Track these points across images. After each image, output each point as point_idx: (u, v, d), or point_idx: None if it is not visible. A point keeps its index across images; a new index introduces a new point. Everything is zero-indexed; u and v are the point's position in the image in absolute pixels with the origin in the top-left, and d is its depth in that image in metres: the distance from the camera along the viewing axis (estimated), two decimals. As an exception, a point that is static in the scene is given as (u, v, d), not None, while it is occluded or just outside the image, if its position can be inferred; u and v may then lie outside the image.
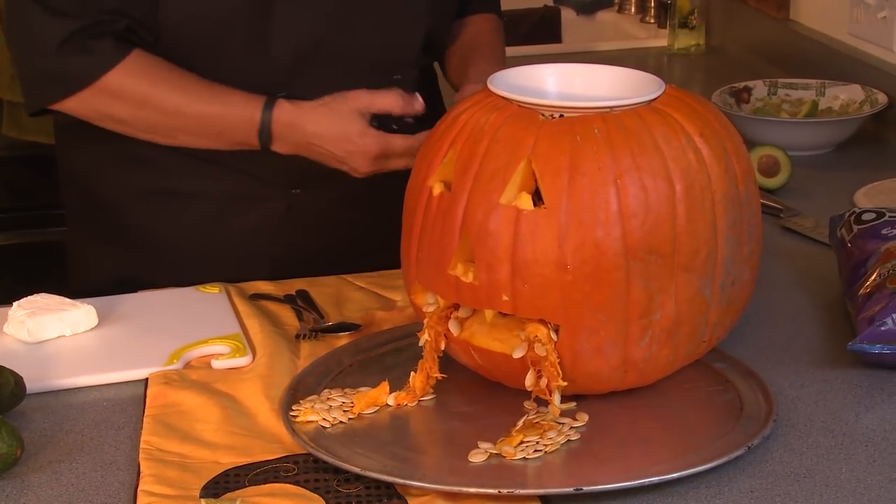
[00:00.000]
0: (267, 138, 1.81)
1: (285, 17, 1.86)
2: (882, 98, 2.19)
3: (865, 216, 1.63)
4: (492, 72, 1.76)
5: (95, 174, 2.00)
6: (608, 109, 1.31)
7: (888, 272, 1.47)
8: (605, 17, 3.41)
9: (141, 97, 1.82)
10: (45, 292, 1.67)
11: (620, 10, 3.40)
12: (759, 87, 2.37)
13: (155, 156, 1.92)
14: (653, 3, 3.28)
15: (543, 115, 1.31)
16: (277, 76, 1.89)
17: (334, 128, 1.78)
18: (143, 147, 1.90)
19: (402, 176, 1.67)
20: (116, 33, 1.85)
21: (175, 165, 1.94)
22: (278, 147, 1.82)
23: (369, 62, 1.93)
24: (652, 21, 3.27)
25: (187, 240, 1.96)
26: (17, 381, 1.40)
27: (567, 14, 3.48)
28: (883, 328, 1.41)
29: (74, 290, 1.84)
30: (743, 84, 2.36)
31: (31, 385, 1.43)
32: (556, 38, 3.40)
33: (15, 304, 1.63)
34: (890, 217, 1.61)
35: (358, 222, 1.98)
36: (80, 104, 1.84)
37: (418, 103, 1.82)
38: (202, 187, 1.95)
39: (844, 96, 2.30)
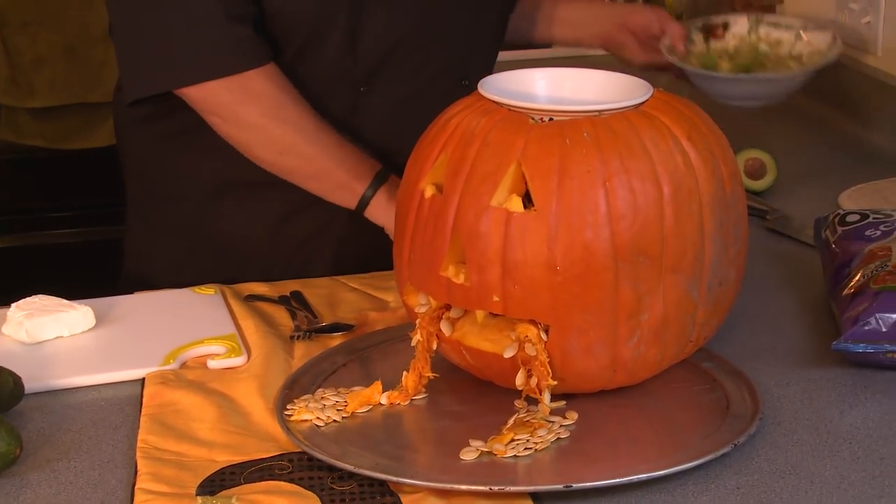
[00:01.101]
0: (364, 208, 1.81)
1: (375, 19, 1.87)
2: (834, 53, 2.14)
3: (849, 218, 1.64)
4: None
5: (164, 166, 2.00)
6: (597, 113, 1.32)
7: (871, 273, 1.47)
8: None
9: (275, 107, 1.81)
10: (42, 294, 1.68)
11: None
12: (740, 24, 2.25)
13: (227, 145, 1.90)
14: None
15: (533, 118, 1.32)
16: (356, 73, 1.89)
17: None
18: (218, 137, 1.88)
19: None
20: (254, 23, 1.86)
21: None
22: (371, 216, 1.82)
23: (442, 65, 1.94)
24: None
25: (254, 234, 1.97)
26: (16, 381, 1.41)
27: None
28: (866, 328, 1.41)
29: (128, 286, 1.86)
30: (722, 18, 2.27)
31: (30, 385, 1.44)
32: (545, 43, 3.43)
33: (13, 305, 1.64)
34: (874, 219, 1.61)
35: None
36: (214, 92, 1.81)
37: None
38: (275, 179, 1.92)
39: (815, 44, 2.22)
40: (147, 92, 1.85)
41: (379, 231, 1.86)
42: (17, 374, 1.42)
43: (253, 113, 1.81)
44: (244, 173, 1.92)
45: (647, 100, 1.37)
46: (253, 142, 1.83)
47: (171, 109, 1.85)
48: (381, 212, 1.80)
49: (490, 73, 1.88)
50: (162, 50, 1.83)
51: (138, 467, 1.27)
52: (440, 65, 1.96)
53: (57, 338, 1.60)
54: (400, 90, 1.94)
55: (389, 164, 1.91)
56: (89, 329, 1.63)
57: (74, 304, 1.65)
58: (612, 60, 2.06)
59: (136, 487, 1.23)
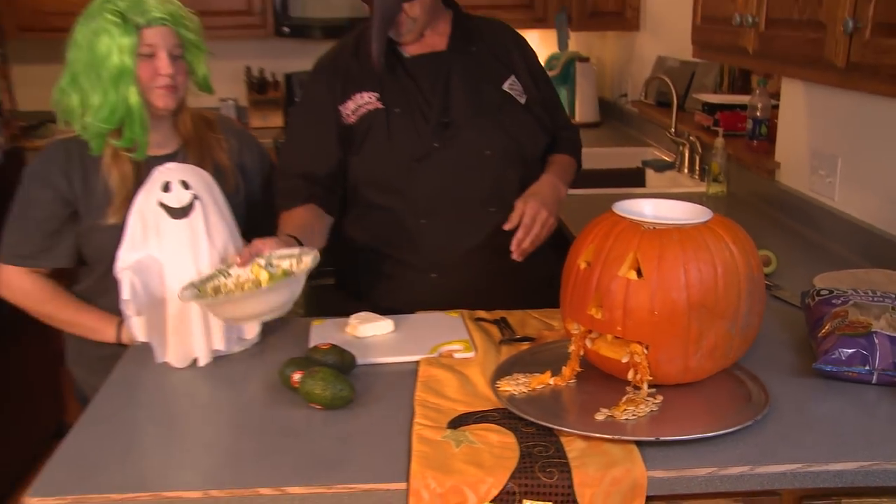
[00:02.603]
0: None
1: (422, 177, 1.96)
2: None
3: (822, 292, 1.73)
4: (551, 180, 1.97)
5: (361, 248, 2.08)
6: (680, 225, 1.48)
7: (836, 325, 1.59)
8: (671, 173, 3.52)
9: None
10: (364, 311, 1.86)
11: (679, 170, 3.50)
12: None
13: (375, 235, 2.04)
14: (697, 167, 3.41)
15: (644, 226, 1.48)
16: (407, 208, 1.98)
17: None
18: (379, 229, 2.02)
19: (496, 272, 1.96)
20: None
21: (373, 250, 2.05)
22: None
23: (475, 201, 1.98)
24: (697, 177, 3.38)
25: (388, 298, 2.05)
26: (352, 358, 1.64)
27: (649, 171, 3.60)
28: (833, 356, 1.55)
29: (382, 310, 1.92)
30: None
31: (359, 360, 1.66)
32: (642, 184, 3.50)
33: (352, 316, 1.82)
34: (836, 293, 1.69)
35: (477, 294, 1.99)
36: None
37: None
38: (399, 258, 2.03)
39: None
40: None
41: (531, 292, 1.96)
42: (353, 353, 1.64)
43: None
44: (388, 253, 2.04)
45: (709, 219, 1.50)
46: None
47: None
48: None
49: (510, 201, 1.93)
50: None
51: (415, 410, 1.47)
52: (474, 201, 1.98)
53: (373, 335, 1.79)
54: (440, 217, 1.98)
55: (440, 260, 1.97)
56: (390, 332, 1.80)
57: (383, 317, 1.82)
58: (679, 196, 2.05)
59: (413, 421, 1.43)
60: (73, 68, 1.79)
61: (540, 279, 1.96)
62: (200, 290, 1.63)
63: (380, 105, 1.95)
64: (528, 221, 1.88)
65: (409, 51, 1.98)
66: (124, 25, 1.74)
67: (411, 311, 1.94)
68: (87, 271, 1.91)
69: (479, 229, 1.98)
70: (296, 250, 1.66)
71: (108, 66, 1.75)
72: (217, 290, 1.64)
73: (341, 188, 2.02)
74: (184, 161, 1.84)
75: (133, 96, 1.77)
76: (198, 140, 1.91)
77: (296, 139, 2.05)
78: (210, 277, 1.66)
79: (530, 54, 2.09)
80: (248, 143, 2.02)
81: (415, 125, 1.94)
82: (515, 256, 1.89)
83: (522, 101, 2.00)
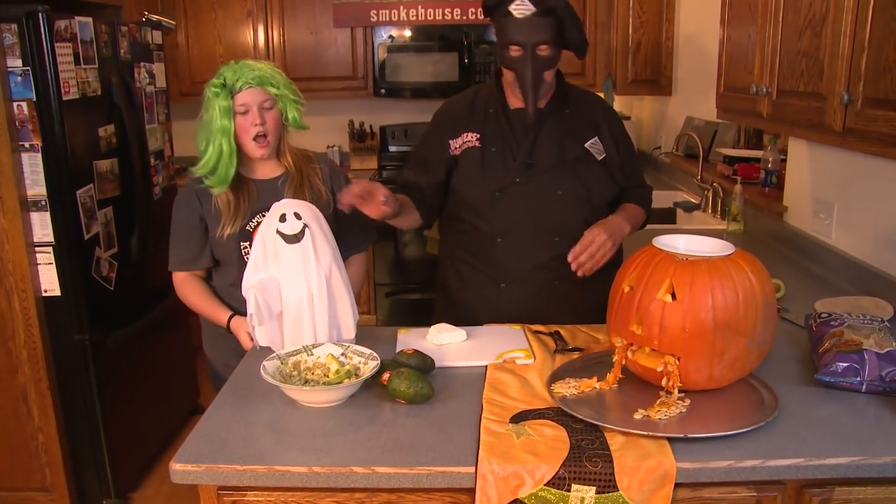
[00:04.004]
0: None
1: (503, 205, 1.99)
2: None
3: (822, 315, 1.72)
4: (618, 218, 1.96)
5: (451, 254, 2.13)
6: (709, 257, 1.47)
7: (833, 343, 1.59)
8: (697, 213, 3.43)
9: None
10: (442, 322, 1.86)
11: (704, 211, 3.43)
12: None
13: (462, 246, 2.07)
14: (719, 208, 3.32)
15: (678, 258, 1.47)
16: (488, 228, 2.00)
17: None
18: (463, 246, 2.06)
19: (554, 290, 1.96)
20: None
21: (459, 258, 2.08)
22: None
23: (543, 230, 1.98)
24: (719, 217, 3.31)
25: (465, 298, 2.09)
26: (432, 361, 1.64)
27: (679, 211, 3.55)
28: (831, 369, 1.54)
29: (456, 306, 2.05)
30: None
31: (437, 363, 1.66)
32: (673, 221, 3.44)
33: (433, 327, 1.83)
34: (834, 316, 1.68)
35: (536, 307, 2.01)
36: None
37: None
38: (478, 267, 2.05)
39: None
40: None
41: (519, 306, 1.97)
42: (432, 357, 1.65)
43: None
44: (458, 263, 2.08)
45: (732, 252, 1.49)
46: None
47: None
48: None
49: (573, 234, 1.93)
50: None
51: (483, 407, 1.47)
52: (543, 229, 1.97)
53: (449, 343, 1.79)
54: (519, 240, 1.99)
55: (509, 274, 1.98)
56: (463, 340, 1.80)
57: (456, 328, 1.82)
58: (705, 233, 1.95)
59: (481, 416, 1.43)
60: (200, 123, 1.94)
61: (588, 305, 1.96)
62: (283, 362, 1.61)
63: (478, 144, 2.00)
64: (588, 241, 1.88)
65: (513, 104, 2.02)
66: (223, 91, 1.88)
67: (480, 312, 2.00)
68: (218, 270, 2.02)
69: (543, 253, 1.98)
70: (367, 351, 1.62)
71: (215, 124, 1.89)
72: (297, 365, 1.61)
73: (434, 203, 2.08)
74: (286, 183, 1.98)
75: (226, 147, 1.89)
76: (298, 169, 2.00)
77: (413, 160, 2.14)
78: (295, 352, 1.64)
79: (616, 123, 2.09)
80: (335, 172, 2.09)
81: (503, 162, 1.98)
82: (574, 268, 1.88)
83: (600, 158, 2.01)
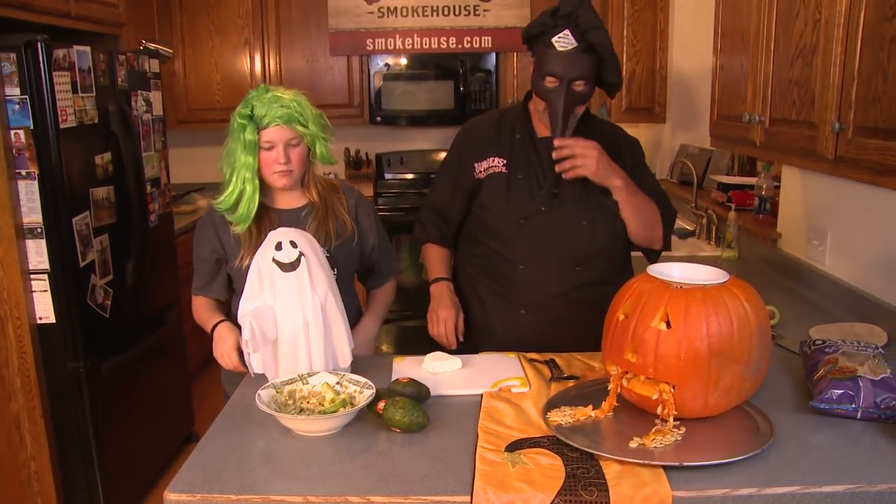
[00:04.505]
0: None
1: (526, 232, 1.99)
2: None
3: (817, 342, 1.73)
4: (620, 169, 1.92)
5: (469, 277, 2.14)
6: (703, 285, 1.46)
7: (828, 370, 1.59)
8: (692, 240, 3.47)
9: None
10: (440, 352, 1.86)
11: (698, 237, 3.45)
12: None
13: (483, 270, 2.08)
14: (713, 235, 3.34)
15: (673, 286, 1.47)
16: (510, 254, 2.01)
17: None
18: (483, 269, 2.07)
19: (573, 319, 1.97)
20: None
21: (478, 281, 2.10)
22: None
23: (565, 259, 1.99)
24: (713, 243, 3.33)
25: (484, 322, 2.10)
26: (427, 390, 1.63)
27: (674, 238, 3.47)
28: (825, 396, 1.54)
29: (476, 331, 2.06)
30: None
31: (433, 392, 1.66)
32: (668, 248, 3.61)
33: (428, 356, 1.83)
34: (828, 343, 1.69)
35: (555, 334, 2.00)
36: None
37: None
38: (498, 292, 2.07)
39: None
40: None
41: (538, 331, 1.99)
42: (428, 386, 1.64)
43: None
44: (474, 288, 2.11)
45: (726, 280, 1.49)
46: None
47: None
48: None
49: (594, 264, 1.99)
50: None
51: (478, 435, 1.46)
52: (563, 259, 1.98)
53: (444, 371, 1.79)
54: (541, 268, 2.00)
55: (529, 300, 1.99)
56: (458, 369, 1.80)
57: (452, 356, 1.82)
58: (699, 260, 2.07)
59: (477, 444, 1.42)
60: (225, 149, 1.90)
61: (587, 339, 1.94)
62: (278, 390, 1.61)
63: (504, 170, 2.01)
64: (583, 144, 1.87)
65: (540, 132, 2.04)
66: (250, 125, 1.83)
67: (500, 336, 2.02)
68: (236, 299, 1.99)
69: (564, 282, 1.98)
70: (363, 379, 1.62)
71: (238, 156, 1.86)
72: (292, 394, 1.61)
73: (456, 225, 2.12)
74: (310, 215, 1.96)
75: (249, 187, 1.86)
76: (322, 200, 1.97)
77: (439, 181, 2.15)
78: (290, 381, 1.64)
79: (638, 151, 2.08)
80: (361, 203, 2.07)
81: (529, 190, 1.99)
82: (556, 144, 1.87)
83: None
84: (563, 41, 1.83)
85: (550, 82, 1.90)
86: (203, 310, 2.03)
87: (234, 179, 1.86)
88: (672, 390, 1.43)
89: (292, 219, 1.94)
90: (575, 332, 2.00)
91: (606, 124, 2.15)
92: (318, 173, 2.01)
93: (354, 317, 2.05)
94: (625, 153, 2.05)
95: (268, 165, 1.88)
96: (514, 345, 1.99)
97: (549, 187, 1.97)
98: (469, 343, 2.08)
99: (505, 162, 2.02)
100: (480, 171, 2.04)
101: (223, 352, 1.88)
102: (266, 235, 1.80)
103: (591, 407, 1.53)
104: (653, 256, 2.08)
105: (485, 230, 2.04)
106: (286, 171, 1.88)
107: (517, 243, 1.99)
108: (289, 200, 1.98)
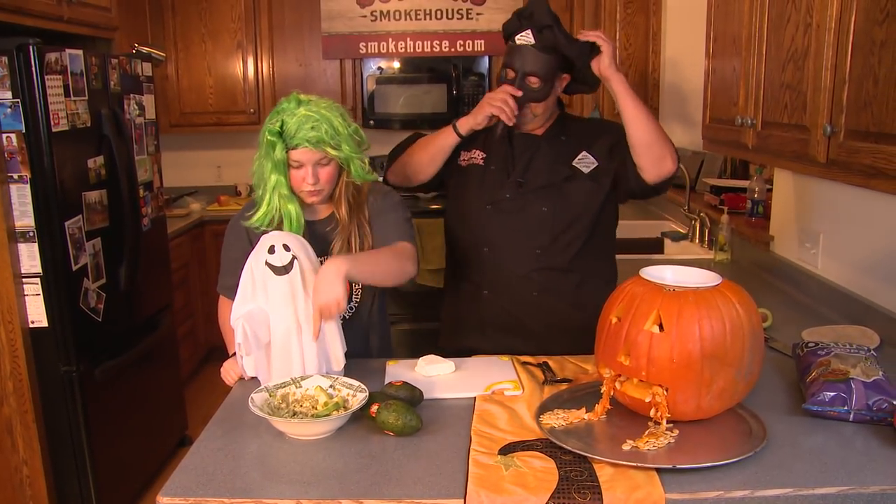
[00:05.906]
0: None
1: (492, 217, 2.08)
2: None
3: (809, 344, 1.74)
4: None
5: (452, 273, 2.22)
6: (696, 288, 1.47)
7: (821, 372, 1.60)
8: (685, 243, 3.43)
9: None
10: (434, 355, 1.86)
11: (691, 240, 3.45)
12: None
13: (452, 256, 2.19)
14: (706, 238, 3.33)
15: (665, 289, 1.47)
16: (476, 238, 2.10)
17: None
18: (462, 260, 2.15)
19: (533, 302, 2.04)
20: None
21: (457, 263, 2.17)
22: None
23: (527, 243, 2.07)
24: (706, 246, 3.32)
25: (454, 304, 2.18)
26: (420, 393, 1.62)
27: (667, 241, 3.54)
28: (818, 398, 1.54)
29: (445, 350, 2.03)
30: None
31: (426, 395, 1.65)
32: (661, 251, 3.43)
33: (421, 359, 1.83)
34: (821, 345, 1.70)
35: (517, 315, 2.07)
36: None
37: None
38: (466, 276, 2.14)
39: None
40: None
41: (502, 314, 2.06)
42: (421, 389, 1.63)
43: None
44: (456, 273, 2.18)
45: (719, 283, 1.50)
46: None
47: None
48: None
49: (555, 247, 2.05)
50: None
51: (472, 439, 1.46)
52: (526, 244, 2.06)
53: (437, 374, 1.79)
54: (504, 251, 2.07)
55: (492, 281, 2.07)
56: (451, 372, 1.80)
57: (445, 360, 1.82)
58: (692, 263, 2.09)
59: (470, 448, 1.42)
60: (256, 160, 1.86)
61: (575, 323, 2.02)
62: (271, 393, 1.60)
63: (482, 163, 2.14)
64: (598, 32, 1.98)
65: (519, 129, 2.14)
66: (280, 142, 1.79)
67: (466, 319, 2.12)
68: None
69: (525, 264, 2.07)
70: (356, 383, 1.62)
71: (268, 174, 1.83)
72: (285, 397, 1.60)
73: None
74: (335, 230, 1.93)
75: (293, 208, 1.85)
76: (348, 206, 1.92)
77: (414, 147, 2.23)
78: (283, 385, 1.63)
79: (619, 136, 2.03)
80: (383, 194, 2.01)
81: (499, 180, 2.10)
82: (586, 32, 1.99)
83: (588, 171, 2.08)
84: (524, 38, 1.98)
85: (509, 74, 2.05)
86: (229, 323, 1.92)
87: (265, 199, 1.84)
88: (665, 393, 1.44)
89: (319, 233, 1.93)
90: (538, 316, 2.08)
91: (584, 119, 2.28)
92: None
93: (381, 332, 2.06)
94: (600, 139, 2.10)
95: (297, 183, 1.85)
96: (476, 323, 2.11)
97: (516, 177, 2.09)
98: (447, 332, 2.19)
99: (484, 156, 2.15)
100: (463, 160, 2.17)
101: (227, 370, 1.86)
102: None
103: (584, 410, 1.53)
104: (662, 187, 2.04)
105: (456, 217, 2.18)
106: (314, 190, 1.85)
107: (483, 227, 2.10)
108: (318, 210, 1.96)
